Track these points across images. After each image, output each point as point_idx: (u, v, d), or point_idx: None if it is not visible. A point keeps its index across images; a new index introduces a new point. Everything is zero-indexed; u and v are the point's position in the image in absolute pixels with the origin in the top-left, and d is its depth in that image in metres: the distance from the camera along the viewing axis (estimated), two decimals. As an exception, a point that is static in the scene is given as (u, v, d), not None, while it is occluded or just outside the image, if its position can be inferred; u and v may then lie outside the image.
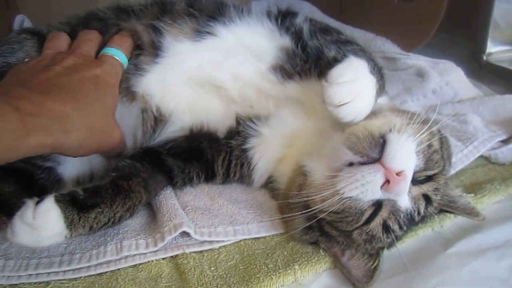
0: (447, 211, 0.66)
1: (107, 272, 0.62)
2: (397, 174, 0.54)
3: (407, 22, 1.05)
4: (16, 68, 0.66)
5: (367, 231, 0.58)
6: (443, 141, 0.65)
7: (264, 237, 0.67)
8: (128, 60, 0.72)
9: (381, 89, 0.66)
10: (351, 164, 0.57)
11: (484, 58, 1.09)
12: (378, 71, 0.65)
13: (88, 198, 0.61)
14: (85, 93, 0.62)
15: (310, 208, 0.59)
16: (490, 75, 1.09)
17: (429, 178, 0.60)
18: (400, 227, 0.59)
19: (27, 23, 1.16)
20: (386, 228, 0.58)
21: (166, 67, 0.73)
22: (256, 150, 0.72)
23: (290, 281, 0.60)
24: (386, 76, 0.72)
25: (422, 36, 1.04)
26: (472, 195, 0.72)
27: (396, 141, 0.55)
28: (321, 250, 0.63)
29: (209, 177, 0.75)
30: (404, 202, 0.58)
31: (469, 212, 0.65)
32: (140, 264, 0.63)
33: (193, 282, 0.59)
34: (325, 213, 0.58)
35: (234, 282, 0.59)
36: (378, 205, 0.57)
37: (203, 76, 0.73)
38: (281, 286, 0.59)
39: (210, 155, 0.73)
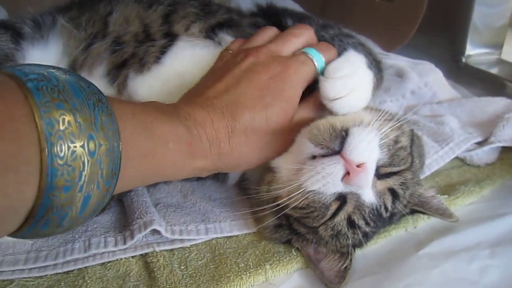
0: (419, 212, 0.66)
1: (74, 270, 0.60)
2: (357, 166, 0.53)
3: (387, 23, 1.06)
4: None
5: (332, 226, 0.58)
6: (414, 139, 0.64)
7: (236, 236, 0.66)
8: None
9: (379, 83, 0.66)
10: (314, 157, 0.56)
11: (463, 60, 1.10)
12: (376, 65, 0.65)
13: None
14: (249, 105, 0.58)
15: (278, 203, 0.58)
16: (468, 77, 1.10)
17: (395, 173, 0.60)
18: (366, 223, 0.58)
19: (2, 15, 1.12)
20: (351, 223, 0.58)
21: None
22: None
23: (260, 280, 0.59)
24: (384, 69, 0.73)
25: (402, 36, 1.04)
26: (446, 196, 0.72)
27: (358, 134, 0.55)
28: (293, 250, 0.63)
29: None
30: (368, 196, 0.57)
31: (442, 213, 0.65)
32: (109, 262, 0.61)
33: (162, 281, 0.58)
34: (292, 209, 0.58)
35: (204, 281, 0.58)
36: (342, 200, 0.57)
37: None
38: (251, 286, 0.58)
39: None
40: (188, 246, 0.64)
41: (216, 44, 0.68)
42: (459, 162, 0.83)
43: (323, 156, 0.55)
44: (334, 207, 0.57)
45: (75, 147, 0.35)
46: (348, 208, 0.57)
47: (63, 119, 0.35)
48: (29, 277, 0.58)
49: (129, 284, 0.58)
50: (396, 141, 0.59)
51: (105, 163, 0.38)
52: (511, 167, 0.80)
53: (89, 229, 0.65)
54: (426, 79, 1.01)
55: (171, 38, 0.68)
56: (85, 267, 0.60)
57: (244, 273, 0.59)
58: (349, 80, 0.58)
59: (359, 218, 0.58)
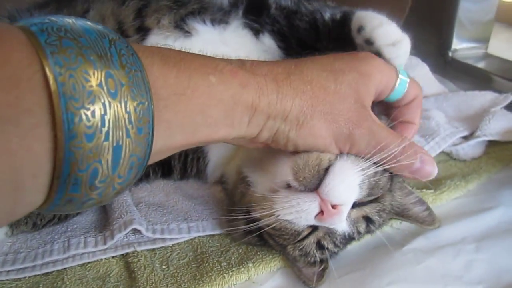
0: (398, 219, 0.65)
1: (53, 271, 0.59)
2: (332, 206, 0.51)
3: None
4: None
5: (300, 247, 0.57)
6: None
7: (219, 234, 0.65)
8: None
9: None
10: (289, 186, 0.54)
11: (450, 54, 1.10)
12: None
13: None
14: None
15: (251, 214, 0.57)
16: (455, 72, 1.09)
17: (372, 201, 0.57)
18: (336, 246, 0.57)
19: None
20: (320, 246, 0.57)
21: None
22: (211, 145, 0.69)
23: (243, 279, 0.58)
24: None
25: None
26: (432, 191, 0.71)
27: (338, 173, 0.51)
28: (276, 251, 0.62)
29: (166, 173, 0.73)
30: (341, 226, 0.56)
31: (422, 221, 0.63)
32: (89, 263, 0.60)
33: (142, 281, 0.56)
34: (264, 224, 0.56)
35: (185, 281, 0.57)
36: (314, 227, 0.56)
37: None
38: (234, 284, 0.57)
39: None
40: (170, 245, 0.63)
41: (186, 34, 0.67)
42: (445, 157, 0.82)
43: (299, 190, 0.53)
44: (305, 232, 0.56)
45: (91, 86, 0.30)
46: (319, 233, 0.56)
47: (73, 57, 0.30)
48: (7, 280, 0.57)
49: (109, 285, 0.57)
50: (376, 172, 0.54)
51: (131, 106, 0.32)
52: (497, 161, 0.80)
53: (69, 229, 0.63)
54: (412, 73, 0.99)
55: (143, 32, 0.67)
56: (65, 268, 0.59)
57: (227, 272, 0.58)
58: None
59: (329, 242, 0.57)
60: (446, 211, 0.69)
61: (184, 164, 0.71)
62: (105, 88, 0.31)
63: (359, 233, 0.58)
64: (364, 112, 0.50)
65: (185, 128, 0.41)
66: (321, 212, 0.52)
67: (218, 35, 0.68)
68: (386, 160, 0.50)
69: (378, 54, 0.59)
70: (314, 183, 0.51)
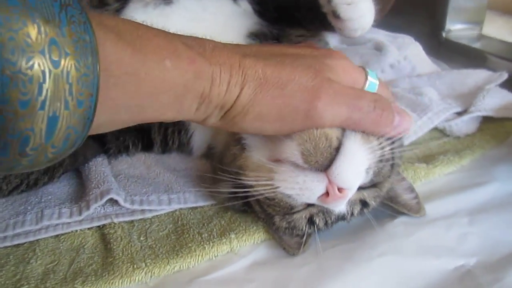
0: (387, 204, 0.62)
1: (24, 243, 0.56)
2: (338, 189, 0.49)
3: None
4: None
5: (289, 220, 0.54)
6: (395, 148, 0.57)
7: (202, 207, 0.62)
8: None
9: None
10: (295, 164, 0.50)
11: (444, 35, 1.08)
12: None
13: None
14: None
15: (240, 178, 0.54)
16: (449, 53, 1.07)
17: (372, 186, 0.55)
18: (326, 224, 0.55)
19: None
20: (311, 222, 0.54)
21: None
22: None
23: (225, 251, 0.55)
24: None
25: (380, 9, 1.00)
26: (424, 165, 0.69)
27: (349, 155, 0.48)
28: (260, 222, 0.59)
29: (147, 146, 0.70)
30: (339, 208, 0.54)
31: (409, 208, 0.61)
32: (63, 234, 0.57)
33: (118, 252, 0.53)
34: (253, 190, 0.53)
35: (163, 252, 0.54)
36: (310, 204, 0.53)
37: None
38: (215, 256, 0.55)
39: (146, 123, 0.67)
40: (150, 217, 0.60)
41: (166, 1, 0.64)
42: (439, 133, 0.79)
43: (307, 169, 0.49)
44: (300, 207, 0.53)
45: (32, 52, 0.28)
46: (313, 210, 0.54)
47: (16, 17, 0.28)
48: (-25, 251, 0.54)
49: (83, 256, 0.54)
50: (381, 158, 0.52)
51: (74, 77, 0.31)
52: (492, 138, 0.77)
53: (43, 200, 0.60)
54: (405, 52, 0.98)
55: (123, 1, 0.64)
56: (37, 240, 0.56)
57: (207, 243, 0.55)
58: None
59: (321, 220, 0.54)
60: (439, 186, 0.67)
61: (165, 137, 0.68)
62: (47, 55, 0.29)
63: (352, 214, 0.55)
64: (322, 83, 0.47)
65: (131, 108, 0.40)
66: (326, 193, 0.49)
67: (197, 1, 0.65)
68: (363, 121, 0.49)
69: (335, 14, 0.56)
70: (325, 164, 0.48)
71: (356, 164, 0.50)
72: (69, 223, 0.58)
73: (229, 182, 0.55)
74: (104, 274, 0.51)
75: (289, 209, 0.53)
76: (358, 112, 0.48)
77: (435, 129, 0.79)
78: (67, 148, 0.34)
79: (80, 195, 0.61)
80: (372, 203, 0.56)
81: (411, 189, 0.62)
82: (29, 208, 0.59)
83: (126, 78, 0.37)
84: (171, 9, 0.65)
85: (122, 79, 0.37)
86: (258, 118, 0.47)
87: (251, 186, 0.53)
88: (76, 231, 0.58)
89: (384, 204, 0.61)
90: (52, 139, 0.32)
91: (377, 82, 0.54)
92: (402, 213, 0.61)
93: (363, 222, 0.60)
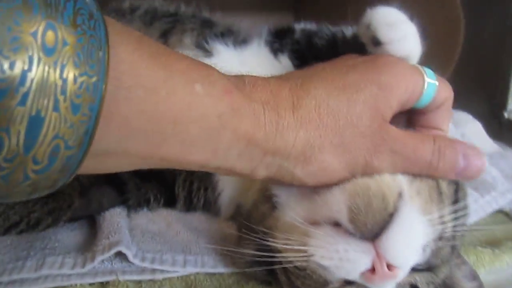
0: None
1: (18, 293, 0.49)
2: (388, 266, 0.40)
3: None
4: None
5: None
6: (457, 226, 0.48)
7: (221, 274, 0.54)
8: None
9: None
10: (337, 224, 0.42)
11: (506, 115, 0.99)
12: None
13: None
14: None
15: (267, 239, 0.46)
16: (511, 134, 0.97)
17: (427, 269, 0.46)
18: None
19: None
20: None
21: None
22: None
23: (240, 327, 0.46)
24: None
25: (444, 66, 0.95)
26: (490, 250, 0.57)
27: (405, 224, 0.41)
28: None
29: (169, 201, 0.64)
30: None
31: None
32: (63, 287, 0.50)
33: (115, 314, 0.46)
34: (282, 257, 0.45)
35: (168, 320, 0.45)
36: (349, 282, 0.44)
37: None
38: (227, 333, 0.45)
39: (170, 175, 0.62)
40: (160, 279, 0.52)
41: (207, 54, 0.62)
42: (504, 217, 0.68)
43: (351, 234, 0.41)
44: (336, 285, 0.44)
45: (20, 32, 0.23)
46: None
47: None
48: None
49: (76, 315, 0.46)
50: (441, 236, 0.44)
51: (71, 73, 0.25)
52: None
53: (48, 246, 0.54)
54: (463, 130, 0.89)
55: None
56: (33, 291, 0.50)
57: (221, 315, 0.46)
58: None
59: None
60: (508, 276, 0.55)
61: (190, 193, 0.62)
62: (39, 39, 0.24)
63: None
64: (381, 133, 0.42)
65: (148, 134, 0.33)
66: (371, 270, 0.40)
67: (237, 56, 0.63)
68: (423, 171, 0.43)
69: (374, 40, 0.50)
70: (374, 232, 0.40)
71: (412, 237, 0.41)
72: (69, 275, 0.51)
73: (254, 242, 0.47)
74: None
75: (322, 285, 0.44)
76: (417, 166, 0.43)
77: (500, 211, 0.68)
78: (55, 170, 0.27)
79: (89, 245, 0.55)
80: None
81: (474, 277, 0.51)
82: (31, 253, 0.53)
83: (141, 93, 0.31)
84: (210, 60, 0.63)
85: (137, 93, 0.31)
86: (322, 169, 0.41)
87: (278, 251, 0.45)
88: (76, 285, 0.51)
89: None
90: (34, 149, 0.25)
91: (436, 83, 0.46)
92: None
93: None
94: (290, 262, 0.44)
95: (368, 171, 0.42)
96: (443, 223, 0.43)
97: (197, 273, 0.53)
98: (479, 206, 0.66)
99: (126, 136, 0.32)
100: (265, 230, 0.46)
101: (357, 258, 0.40)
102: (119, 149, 0.32)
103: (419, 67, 0.47)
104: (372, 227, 0.40)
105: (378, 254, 0.39)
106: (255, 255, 0.46)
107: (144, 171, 0.63)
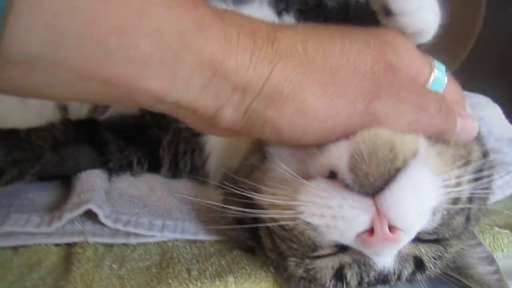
0: (452, 277, 0.44)
1: (-25, 251, 0.45)
2: (389, 228, 0.34)
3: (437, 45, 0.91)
4: None
5: (308, 267, 0.39)
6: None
7: (202, 242, 0.48)
8: None
9: None
10: (332, 176, 0.36)
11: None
12: None
13: None
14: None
15: (254, 196, 0.40)
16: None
17: (435, 241, 0.40)
18: (360, 284, 0.39)
19: None
20: (339, 276, 0.39)
21: None
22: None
23: (216, 296, 0.40)
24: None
25: (452, 59, 0.88)
26: (507, 231, 0.51)
27: (414, 181, 0.34)
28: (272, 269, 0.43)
29: (154, 167, 0.58)
30: (384, 261, 0.38)
31: (486, 286, 0.43)
32: (23, 246, 0.45)
33: (74, 276, 0.40)
34: (268, 218, 0.39)
35: (134, 285, 0.40)
36: (341, 248, 0.38)
37: None
38: (201, 302, 0.40)
39: (156, 136, 0.57)
40: (135, 243, 0.47)
41: None
42: (524, 201, 0.61)
43: (348, 187, 0.35)
44: (325, 251, 0.38)
45: None
46: (345, 258, 0.38)
47: None
48: None
49: (35, 275, 0.42)
50: (456, 201, 0.38)
51: None
52: None
53: (15, 203, 0.50)
54: (481, 113, 0.82)
55: None
56: (-9, 249, 0.45)
57: (194, 282, 0.40)
58: None
59: (354, 275, 0.39)
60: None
61: (175, 156, 0.57)
62: None
63: (399, 277, 0.39)
64: (387, 75, 0.35)
65: (84, 42, 0.26)
66: (370, 230, 0.34)
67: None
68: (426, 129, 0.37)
69: (386, 10, 0.43)
70: (376, 185, 0.33)
71: (421, 196, 0.35)
72: (34, 234, 0.46)
73: (239, 200, 0.41)
74: (46, 300, 0.37)
75: (311, 250, 0.38)
76: (424, 114, 0.36)
77: (519, 196, 0.61)
78: None
79: (61, 205, 0.50)
80: (431, 267, 0.40)
81: (490, 260, 0.45)
82: (-4, 210, 0.48)
83: None
84: None
85: None
86: (301, 112, 0.33)
87: (264, 209, 0.39)
88: (40, 244, 0.46)
89: (449, 276, 0.44)
90: None
91: (445, 78, 0.40)
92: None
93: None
94: (276, 220, 0.38)
95: (369, 121, 0.35)
96: (459, 186, 0.37)
97: (176, 240, 0.48)
98: (497, 188, 0.59)
99: (55, 41, 0.25)
100: (251, 183, 0.40)
101: (353, 216, 0.34)
102: (47, 57, 0.26)
103: (429, 56, 0.41)
104: (374, 180, 0.33)
105: (378, 213, 0.33)
106: (239, 213, 0.40)
107: (129, 133, 0.58)
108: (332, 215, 0.34)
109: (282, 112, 0.33)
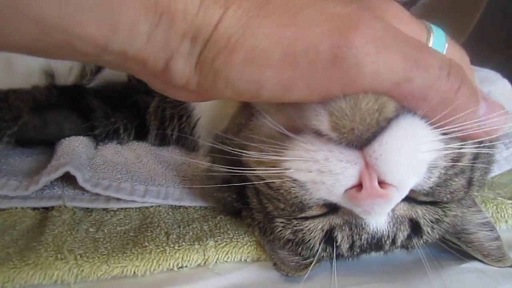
0: (452, 243, 0.42)
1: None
2: (379, 183, 0.31)
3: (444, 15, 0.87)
4: None
5: (297, 229, 0.36)
6: (480, 156, 0.38)
7: (186, 208, 0.46)
8: None
9: None
10: (319, 133, 0.33)
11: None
12: None
13: None
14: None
15: (241, 153, 0.37)
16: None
17: (432, 203, 0.37)
18: (352, 248, 0.36)
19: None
20: (329, 238, 0.36)
21: None
22: None
23: (194, 261, 0.38)
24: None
25: (460, 29, 0.84)
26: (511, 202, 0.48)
27: (408, 131, 0.31)
28: (256, 233, 0.41)
29: (142, 134, 0.56)
30: (377, 221, 0.36)
31: (486, 253, 0.41)
32: (1, 209, 0.44)
33: (47, 237, 0.38)
34: (255, 176, 0.36)
35: (109, 248, 0.38)
36: (332, 208, 0.35)
37: None
38: (178, 266, 0.37)
39: (143, 101, 0.55)
40: (115, 209, 0.45)
41: None
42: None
43: (334, 141, 0.32)
44: (314, 212, 0.36)
45: None
46: (335, 220, 0.36)
47: None
48: None
49: (7, 238, 0.40)
50: (456, 160, 0.34)
51: None
52: None
53: (-6, 168, 0.48)
54: (490, 88, 0.79)
55: None
56: (-32, 212, 0.43)
57: (171, 245, 0.38)
58: None
59: (345, 238, 0.36)
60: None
61: (163, 122, 0.55)
62: None
63: (393, 241, 0.36)
64: (371, 14, 0.29)
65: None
66: (359, 186, 0.31)
67: None
68: (426, 95, 0.29)
69: None
70: (363, 138, 0.30)
71: (413, 148, 0.31)
72: (11, 197, 0.44)
73: (226, 159, 0.38)
74: (13, 261, 0.35)
75: (299, 210, 0.35)
76: (423, 72, 0.28)
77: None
78: None
79: (40, 170, 0.48)
80: (428, 231, 0.37)
81: (490, 226, 0.42)
82: (-26, 174, 0.47)
83: None
84: None
85: None
86: (252, 59, 0.28)
87: (251, 167, 0.36)
88: (16, 208, 0.44)
89: (447, 240, 0.41)
90: None
91: (446, 43, 0.34)
92: (475, 259, 0.40)
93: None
94: (262, 178, 0.35)
95: (339, 67, 0.28)
96: (460, 142, 0.33)
97: (158, 206, 0.46)
98: (502, 158, 0.56)
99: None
100: (239, 140, 0.38)
101: (339, 170, 0.31)
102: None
103: (428, 24, 0.35)
104: (361, 133, 0.30)
105: (367, 165, 0.30)
106: (226, 172, 0.38)
107: (116, 100, 0.56)
108: (319, 169, 0.32)
109: (231, 62, 0.28)
